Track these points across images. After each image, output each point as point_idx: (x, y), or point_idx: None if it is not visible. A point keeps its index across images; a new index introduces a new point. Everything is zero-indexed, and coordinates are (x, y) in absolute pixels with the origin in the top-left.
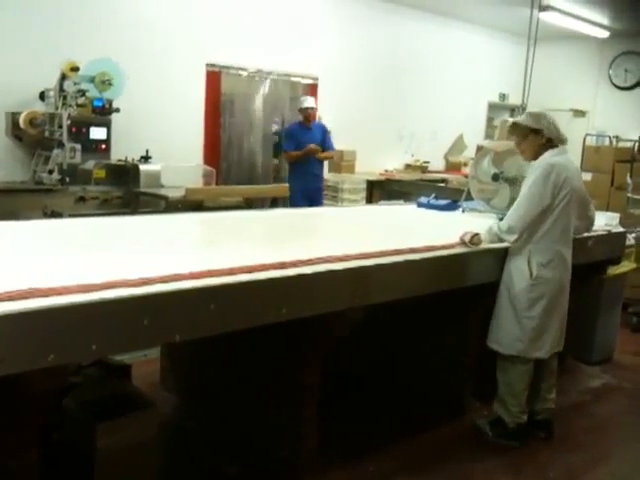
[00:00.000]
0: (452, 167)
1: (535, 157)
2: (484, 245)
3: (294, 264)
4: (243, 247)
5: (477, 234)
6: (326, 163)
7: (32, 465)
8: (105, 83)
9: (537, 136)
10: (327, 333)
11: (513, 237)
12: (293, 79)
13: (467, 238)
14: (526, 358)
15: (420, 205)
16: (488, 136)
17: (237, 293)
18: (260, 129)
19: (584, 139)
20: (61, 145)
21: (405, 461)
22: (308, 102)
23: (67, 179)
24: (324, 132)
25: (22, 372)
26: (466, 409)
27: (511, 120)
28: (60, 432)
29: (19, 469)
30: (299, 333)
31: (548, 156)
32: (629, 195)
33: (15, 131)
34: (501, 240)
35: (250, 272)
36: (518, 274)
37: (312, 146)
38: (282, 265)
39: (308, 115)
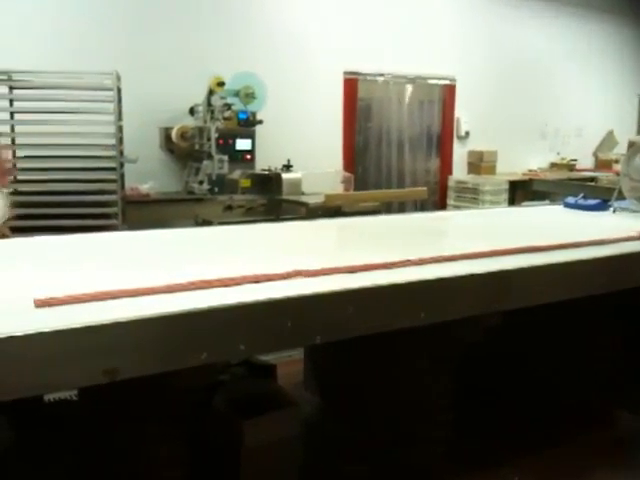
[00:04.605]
0: (602, 165)
1: None
2: None
3: (429, 261)
4: (379, 249)
5: None
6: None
7: (179, 458)
8: (249, 96)
9: None
10: (460, 338)
11: None
12: (430, 82)
13: None
14: None
15: (567, 205)
16: None
17: (375, 296)
18: (397, 133)
19: None
20: (210, 157)
21: (546, 473)
22: None
23: (216, 189)
24: None
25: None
26: (614, 421)
27: None
28: (206, 427)
29: (167, 462)
30: (431, 338)
31: None
32: None
33: (168, 145)
34: None
35: (388, 268)
36: None
37: None
38: (422, 261)
39: None
